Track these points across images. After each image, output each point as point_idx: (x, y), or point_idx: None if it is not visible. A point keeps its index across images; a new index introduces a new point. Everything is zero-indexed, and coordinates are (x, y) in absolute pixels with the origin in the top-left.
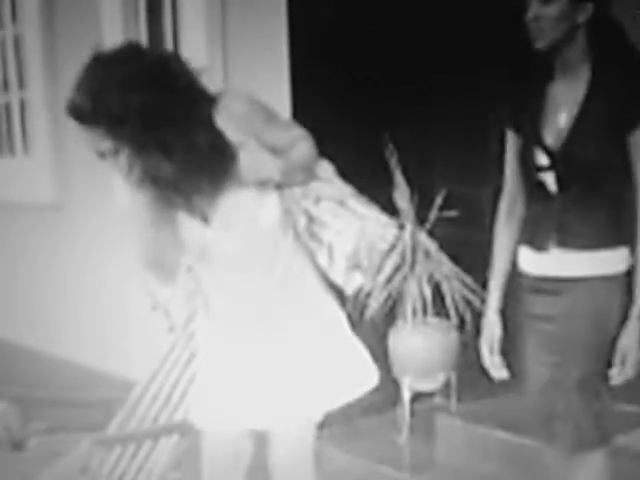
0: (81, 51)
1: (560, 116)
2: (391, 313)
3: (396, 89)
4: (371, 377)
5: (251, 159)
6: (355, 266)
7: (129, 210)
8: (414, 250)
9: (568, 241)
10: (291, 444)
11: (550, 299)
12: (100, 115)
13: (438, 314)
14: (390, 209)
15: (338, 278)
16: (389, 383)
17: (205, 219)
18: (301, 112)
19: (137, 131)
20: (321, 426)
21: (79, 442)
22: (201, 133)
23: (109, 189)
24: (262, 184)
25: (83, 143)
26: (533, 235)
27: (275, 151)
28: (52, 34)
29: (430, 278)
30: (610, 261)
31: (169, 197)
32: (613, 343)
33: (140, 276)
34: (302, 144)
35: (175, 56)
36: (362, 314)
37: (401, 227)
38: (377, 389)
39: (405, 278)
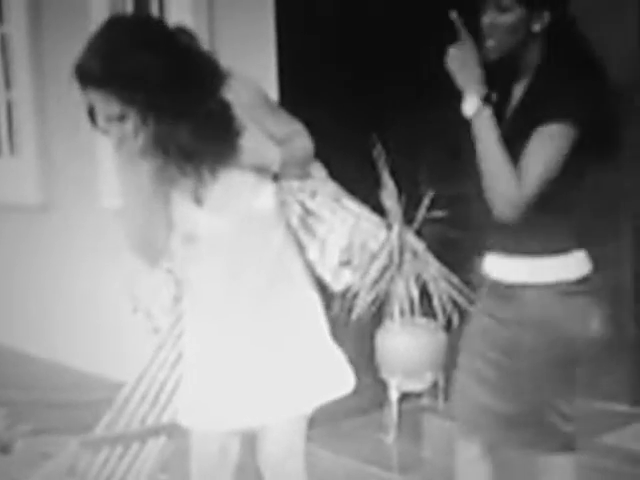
0: (69, 52)
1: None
2: (379, 313)
3: (384, 88)
4: (350, 380)
5: (254, 143)
6: (346, 263)
7: (126, 185)
8: (402, 250)
9: (509, 246)
10: (282, 438)
11: (502, 303)
12: (114, 77)
13: (425, 314)
14: (378, 209)
15: (327, 274)
16: (376, 383)
17: (199, 200)
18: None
19: (151, 94)
20: (308, 427)
21: (66, 444)
22: (212, 103)
23: (95, 190)
24: (260, 171)
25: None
26: (487, 238)
27: (276, 141)
28: (39, 34)
29: (417, 278)
30: (558, 268)
31: (175, 166)
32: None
33: (123, 279)
34: (302, 139)
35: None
36: (350, 314)
37: (389, 227)
38: (364, 390)
39: (392, 278)
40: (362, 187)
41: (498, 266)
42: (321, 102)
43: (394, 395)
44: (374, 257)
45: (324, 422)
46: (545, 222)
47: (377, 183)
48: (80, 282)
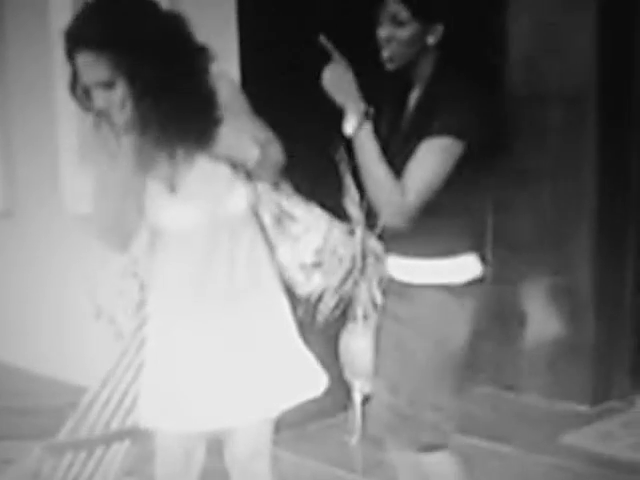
0: (31, 58)
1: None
2: (343, 317)
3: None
4: (321, 381)
5: (232, 136)
6: (318, 265)
7: (101, 164)
8: (364, 255)
9: (401, 248)
10: (249, 440)
11: (397, 301)
12: (112, 37)
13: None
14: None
15: (299, 275)
16: (340, 386)
17: (172, 188)
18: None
19: (143, 60)
20: (273, 431)
21: (30, 449)
22: (198, 84)
23: (58, 195)
24: (236, 166)
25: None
26: (387, 241)
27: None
28: (1, 38)
29: (380, 282)
30: (446, 271)
31: (152, 145)
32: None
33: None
34: (276, 146)
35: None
36: (314, 317)
37: (351, 233)
38: (328, 392)
39: (356, 282)
40: (324, 192)
41: (395, 267)
42: (279, 106)
43: (358, 397)
44: (340, 261)
45: (289, 425)
46: (434, 226)
47: (339, 188)
48: (42, 287)
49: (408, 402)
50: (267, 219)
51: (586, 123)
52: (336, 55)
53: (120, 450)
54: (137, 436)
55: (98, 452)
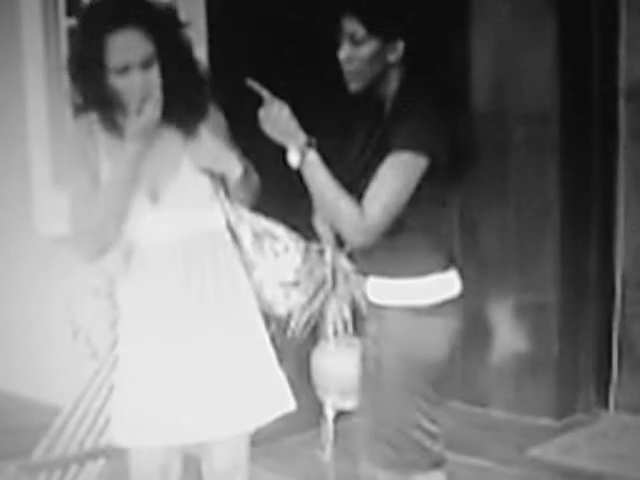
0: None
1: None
2: (314, 334)
3: (316, 101)
4: (290, 399)
5: (220, 148)
6: (295, 284)
7: (83, 174)
8: (334, 273)
9: (370, 268)
10: (226, 454)
11: (373, 322)
12: (153, 16)
13: (359, 334)
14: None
15: (276, 294)
16: (313, 402)
17: (155, 195)
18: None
19: (173, 40)
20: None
21: (4, 469)
22: (197, 83)
23: (32, 217)
24: (217, 179)
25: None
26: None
27: None
28: None
29: (351, 300)
30: (415, 291)
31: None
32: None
33: (63, 303)
34: (254, 173)
35: None
36: (285, 334)
37: (321, 252)
38: (301, 408)
39: (327, 299)
40: (294, 212)
41: (369, 287)
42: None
43: (330, 413)
44: (315, 281)
45: (261, 441)
46: (402, 245)
47: (309, 207)
48: (16, 307)
49: (382, 422)
50: (247, 237)
51: (549, 141)
52: (267, 95)
53: (94, 469)
54: (111, 454)
55: (72, 471)
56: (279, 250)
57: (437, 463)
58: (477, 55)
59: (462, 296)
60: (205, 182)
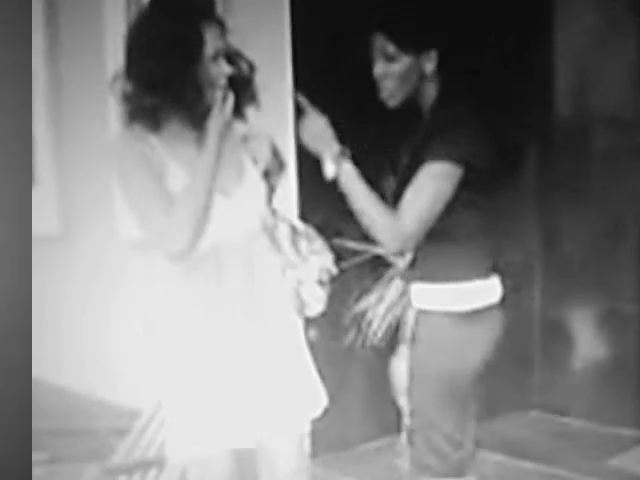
0: (83, 87)
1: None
2: (392, 340)
3: (355, 114)
4: (322, 401)
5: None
6: (325, 284)
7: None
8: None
9: (417, 274)
10: (288, 457)
11: (416, 327)
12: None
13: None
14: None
15: (316, 292)
16: (390, 408)
17: (227, 194)
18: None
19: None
20: (323, 452)
21: (84, 471)
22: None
23: (113, 222)
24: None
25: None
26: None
27: None
28: (55, 67)
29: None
30: (456, 296)
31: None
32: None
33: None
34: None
35: None
36: (364, 342)
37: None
38: (377, 414)
39: (405, 307)
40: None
41: (414, 292)
42: None
43: (408, 420)
44: (386, 287)
45: (338, 447)
46: (443, 252)
47: None
48: (95, 310)
49: (424, 426)
50: (285, 235)
51: (633, 147)
52: (308, 108)
53: (175, 472)
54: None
55: (152, 474)
56: (318, 248)
57: (455, 472)
58: (560, 60)
59: (542, 302)
60: (259, 178)
